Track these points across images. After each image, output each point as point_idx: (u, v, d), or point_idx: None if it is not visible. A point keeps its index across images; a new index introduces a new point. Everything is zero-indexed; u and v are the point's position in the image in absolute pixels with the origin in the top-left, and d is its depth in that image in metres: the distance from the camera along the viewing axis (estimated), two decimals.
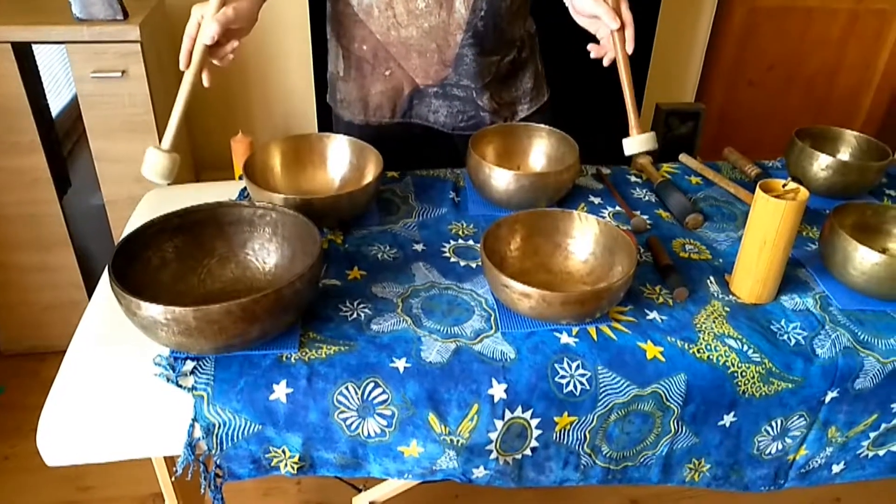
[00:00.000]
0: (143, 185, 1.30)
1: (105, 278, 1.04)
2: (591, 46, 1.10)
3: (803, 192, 0.94)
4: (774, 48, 2.79)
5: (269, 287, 0.80)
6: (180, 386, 0.83)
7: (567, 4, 1.11)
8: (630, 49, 1.06)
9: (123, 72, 1.64)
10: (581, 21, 1.10)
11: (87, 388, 0.85)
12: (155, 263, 0.93)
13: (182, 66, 0.98)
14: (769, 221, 0.94)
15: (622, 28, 1.04)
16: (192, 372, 0.84)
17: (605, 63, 1.09)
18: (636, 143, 1.06)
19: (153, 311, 0.77)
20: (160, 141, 0.98)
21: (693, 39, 2.66)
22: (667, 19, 2.47)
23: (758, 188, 0.94)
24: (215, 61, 1.00)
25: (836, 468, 1.04)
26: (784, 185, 0.96)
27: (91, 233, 1.91)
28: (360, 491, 1.23)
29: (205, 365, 0.85)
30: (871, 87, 2.98)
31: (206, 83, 1.00)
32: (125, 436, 0.84)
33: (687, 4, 2.57)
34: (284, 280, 0.81)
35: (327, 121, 1.46)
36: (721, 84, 2.84)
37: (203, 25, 0.96)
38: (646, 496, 1.64)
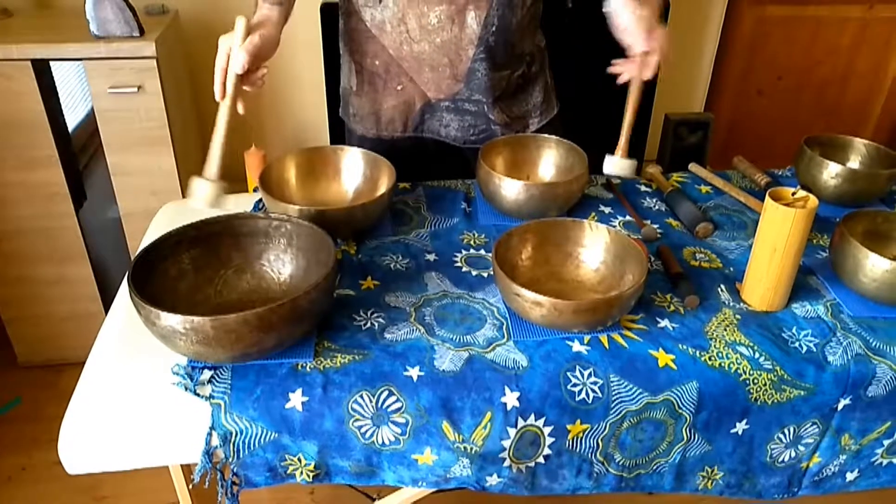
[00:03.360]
0: (159, 198, 1.32)
1: (123, 289, 1.06)
2: (615, 62, 1.15)
3: (813, 200, 0.95)
4: (783, 57, 2.79)
5: (284, 297, 0.81)
6: (198, 395, 0.85)
7: (607, 15, 1.14)
8: (647, 76, 1.12)
9: (139, 87, 1.67)
10: (616, 34, 1.15)
11: (107, 397, 0.86)
12: (172, 274, 0.95)
13: (218, 98, 1.02)
14: (779, 229, 0.94)
15: (648, 53, 1.09)
16: (209, 381, 0.86)
17: (619, 81, 1.14)
18: (616, 165, 1.15)
19: (172, 320, 0.78)
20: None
21: (702, 49, 2.67)
22: (675, 29, 2.47)
23: (767, 196, 0.95)
24: (247, 87, 1.05)
25: (850, 476, 1.04)
26: (793, 194, 0.96)
27: (107, 246, 1.93)
28: (373, 500, 1.23)
29: (222, 374, 0.87)
30: (882, 95, 2.97)
31: (241, 111, 1.04)
32: (144, 444, 0.85)
33: (695, 14, 2.59)
34: (299, 290, 0.82)
35: (339, 134, 1.48)
36: (730, 93, 2.85)
37: (233, 56, 1.01)
38: (660, 503, 1.64)
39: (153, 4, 1.85)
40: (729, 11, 2.61)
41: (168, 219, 1.23)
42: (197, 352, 0.82)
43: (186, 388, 0.85)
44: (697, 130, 2.28)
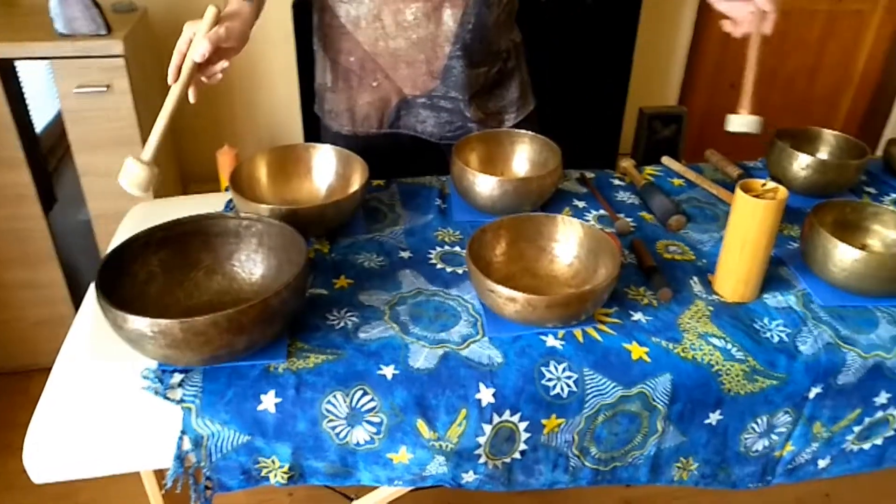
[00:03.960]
0: (130, 199, 1.30)
1: (91, 293, 1.04)
2: (724, 21, 1.14)
3: (782, 192, 0.96)
4: None
5: (255, 298, 0.80)
6: (168, 399, 0.84)
7: None
8: (768, 30, 1.09)
9: (108, 86, 1.64)
10: (720, 6, 1.14)
11: (75, 403, 0.85)
12: (141, 277, 0.93)
13: (170, 81, 0.98)
14: (749, 221, 0.95)
15: (766, 12, 1.07)
16: (180, 384, 0.85)
17: (737, 34, 1.13)
18: (740, 121, 1.11)
19: (139, 324, 0.77)
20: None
21: (675, 43, 2.69)
22: (648, 23, 2.49)
23: (737, 188, 0.96)
24: (203, 79, 1.01)
25: (822, 463, 1.05)
26: (763, 185, 0.97)
27: (78, 248, 1.90)
28: (351, 500, 1.23)
29: (193, 377, 0.85)
30: (851, 87, 3.02)
31: (192, 99, 1.00)
32: (113, 450, 0.84)
33: (668, 9, 2.60)
34: (271, 290, 0.81)
35: (313, 132, 1.46)
36: (703, 87, 2.87)
37: (194, 42, 0.97)
38: (638, 497, 1.65)
39: (120, 2, 1.82)
40: (701, 6, 2.63)
41: (138, 220, 1.21)
42: (166, 355, 0.81)
43: (156, 393, 0.84)
44: (671, 124, 2.29)
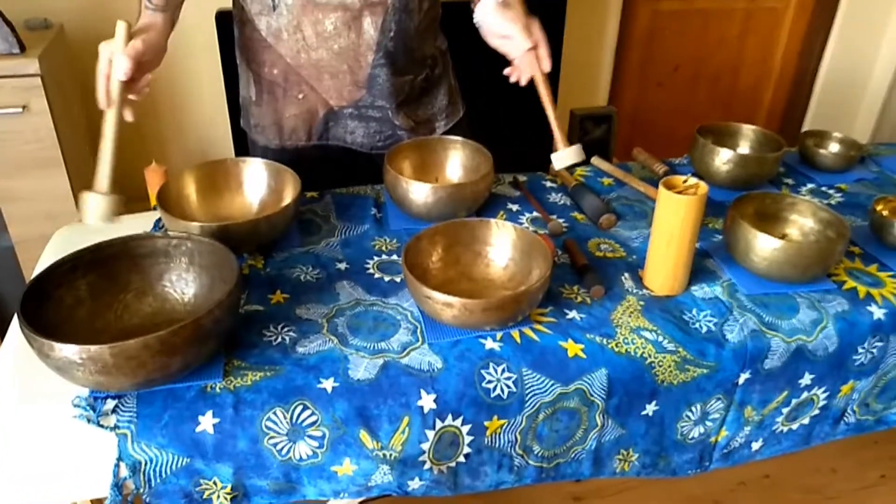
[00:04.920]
0: (56, 222, 1.26)
1: (16, 322, 1.01)
2: (507, 70, 1.15)
3: (703, 187, 0.99)
4: (678, 49, 2.92)
5: (189, 318, 0.79)
6: (102, 426, 0.81)
7: (478, 25, 1.14)
8: (546, 68, 1.10)
9: (24, 107, 1.58)
10: (493, 42, 1.15)
11: (4, 436, 0.81)
12: (68, 302, 0.90)
13: (102, 106, 0.97)
14: (673, 217, 0.98)
15: (536, 47, 1.08)
16: (113, 410, 0.82)
17: (523, 83, 1.14)
18: (564, 156, 1.12)
19: (67, 351, 0.75)
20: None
21: (602, 44, 2.75)
22: (574, 26, 2.55)
23: (660, 185, 0.99)
24: (132, 96, 1.01)
25: (755, 445, 1.09)
26: (684, 181, 1.01)
27: (1, 276, 1.83)
28: None
29: (127, 402, 0.83)
30: (771, 82, 3.15)
31: (128, 118, 1.00)
32: (47, 482, 0.81)
33: (593, 11, 2.67)
34: (204, 310, 0.80)
35: (244, 146, 1.45)
36: (631, 86, 2.96)
37: (115, 62, 0.96)
38: (587, 491, 1.68)
39: (34, 19, 1.76)
40: (625, 7, 2.71)
41: (63, 243, 1.17)
42: (98, 382, 0.78)
43: (89, 420, 0.82)
44: (602, 124, 2.35)
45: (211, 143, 2.29)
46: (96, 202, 0.93)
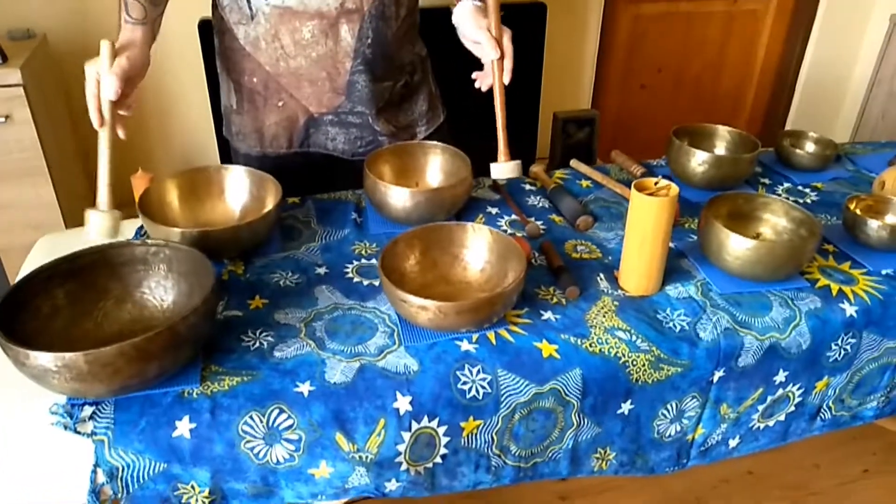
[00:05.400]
0: (41, 231, 1.27)
1: None
2: (474, 74, 1.19)
3: (674, 189, 1.01)
4: (661, 52, 2.94)
5: (167, 324, 0.80)
6: (79, 432, 0.82)
7: (455, 25, 1.17)
8: (507, 80, 1.15)
9: (7, 117, 1.59)
10: (467, 44, 1.19)
11: None
12: (45, 311, 0.91)
13: (96, 126, 1.02)
14: (645, 218, 1.00)
15: (501, 58, 1.12)
16: (90, 417, 0.83)
17: (483, 89, 1.19)
18: (503, 169, 1.15)
19: (42, 359, 0.75)
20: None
21: (584, 48, 2.77)
22: (556, 30, 2.57)
23: (633, 188, 1.01)
24: (122, 112, 1.04)
25: (732, 442, 1.11)
26: (656, 183, 1.02)
27: None
28: None
29: (104, 409, 0.84)
30: (753, 83, 3.18)
31: (121, 136, 1.04)
32: (25, 489, 0.82)
33: (575, 15, 2.69)
34: (181, 316, 0.81)
35: (229, 153, 1.45)
36: (614, 89, 2.98)
37: (102, 82, 1.00)
38: (573, 490, 1.69)
39: (17, 29, 1.76)
40: (606, 11, 2.73)
41: (45, 252, 1.18)
42: (74, 389, 0.79)
43: (66, 427, 0.82)
44: (585, 127, 2.37)
45: (196, 150, 2.30)
46: (100, 219, 0.99)
